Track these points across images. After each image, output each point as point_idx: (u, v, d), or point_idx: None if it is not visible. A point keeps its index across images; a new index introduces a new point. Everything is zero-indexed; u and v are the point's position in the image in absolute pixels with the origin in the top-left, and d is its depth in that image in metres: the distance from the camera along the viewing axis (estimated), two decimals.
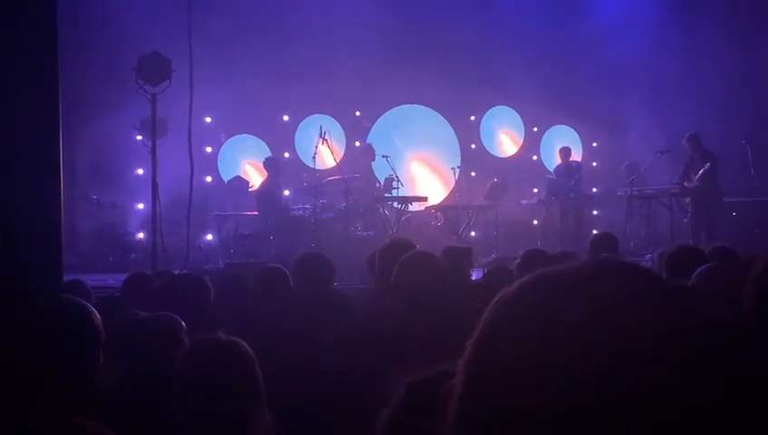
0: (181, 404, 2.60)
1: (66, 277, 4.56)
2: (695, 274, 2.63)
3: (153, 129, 9.53)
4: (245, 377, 2.59)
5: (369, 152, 12.73)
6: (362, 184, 12.05)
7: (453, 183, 14.50)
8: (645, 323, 0.70)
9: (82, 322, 2.66)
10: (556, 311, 0.71)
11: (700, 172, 11.53)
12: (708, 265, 2.64)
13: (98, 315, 2.74)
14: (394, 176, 12.16)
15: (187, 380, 2.62)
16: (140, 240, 12.58)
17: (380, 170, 12.65)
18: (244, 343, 2.67)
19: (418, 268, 3.60)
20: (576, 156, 14.63)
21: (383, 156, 12.37)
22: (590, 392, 0.67)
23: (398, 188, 12.14)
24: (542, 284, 0.75)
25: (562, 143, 14.61)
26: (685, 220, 12.08)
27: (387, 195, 12.16)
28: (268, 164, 12.36)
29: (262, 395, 2.62)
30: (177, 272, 6.22)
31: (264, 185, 12.19)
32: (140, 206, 12.74)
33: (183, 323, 3.50)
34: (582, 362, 0.68)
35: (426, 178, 14.88)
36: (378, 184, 12.32)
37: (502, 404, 0.71)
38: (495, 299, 0.77)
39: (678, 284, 0.77)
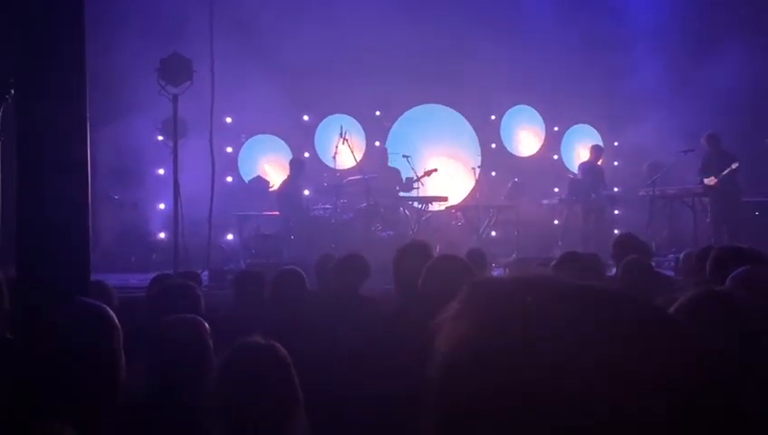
0: (219, 407, 2.61)
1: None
2: (731, 276, 2.59)
3: (174, 129, 9.58)
4: (283, 379, 2.61)
5: (381, 154, 12.81)
6: (382, 184, 12.05)
7: (473, 183, 14.46)
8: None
9: (101, 323, 2.67)
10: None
11: (726, 171, 11.44)
12: (745, 267, 2.60)
13: (113, 316, 2.75)
14: (414, 176, 12.15)
15: (227, 383, 2.63)
16: (162, 240, 12.65)
17: (402, 171, 12.64)
18: (280, 346, 2.69)
19: (446, 273, 3.58)
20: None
21: (404, 156, 12.35)
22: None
23: (418, 188, 12.13)
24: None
25: (583, 142, 14.51)
26: (707, 220, 12.00)
27: (407, 194, 12.17)
28: (293, 164, 12.36)
29: (299, 397, 2.64)
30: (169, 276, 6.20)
31: (284, 185, 12.19)
32: (162, 206, 12.80)
33: (206, 325, 3.50)
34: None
35: (446, 178, 14.82)
36: (397, 187, 12.29)
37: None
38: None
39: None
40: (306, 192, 12.74)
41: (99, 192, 12.19)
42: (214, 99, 9.50)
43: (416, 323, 3.60)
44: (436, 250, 6.57)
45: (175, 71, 9.21)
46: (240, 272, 7.22)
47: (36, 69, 3.19)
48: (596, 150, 13.33)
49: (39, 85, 3.18)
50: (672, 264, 10.07)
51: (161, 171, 12.70)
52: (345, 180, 12.08)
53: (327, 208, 11.73)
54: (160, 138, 11.78)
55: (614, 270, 6.08)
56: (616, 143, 15.74)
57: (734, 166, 11.40)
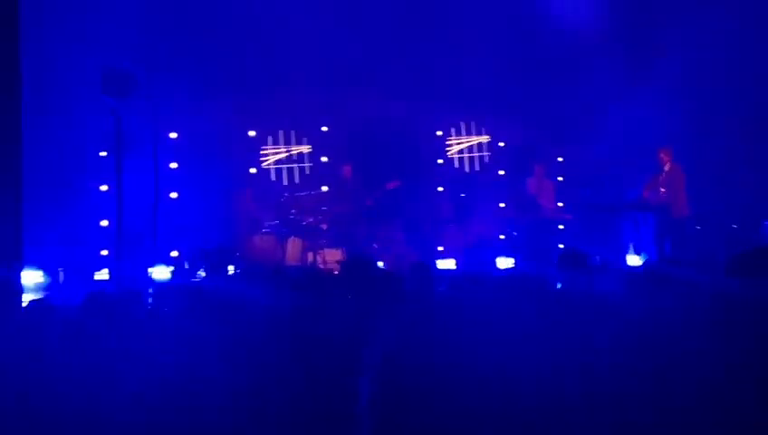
0: None
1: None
2: None
3: (117, 144, 9.42)
4: None
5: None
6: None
7: None
8: None
9: None
10: None
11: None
12: None
13: None
14: None
15: None
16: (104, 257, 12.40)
17: None
18: None
19: None
20: None
21: None
22: None
23: None
24: None
25: None
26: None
27: None
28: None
29: None
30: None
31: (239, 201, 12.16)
32: (104, 223, 12.55)
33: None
34: None
35: None
36: None
37: None
38: None
39: None
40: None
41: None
42: (158, 114, 9.39)
43: None
44: None
45: (118, 83, 9.07)
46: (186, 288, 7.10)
47: None
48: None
49: None
50: None
51: (104, 187, 12.46)
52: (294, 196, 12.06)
53: (274, 225, 11.68)
54: (103, 153, 11.60)
55: None
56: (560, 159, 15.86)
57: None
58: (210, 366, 2.73)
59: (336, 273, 4.72)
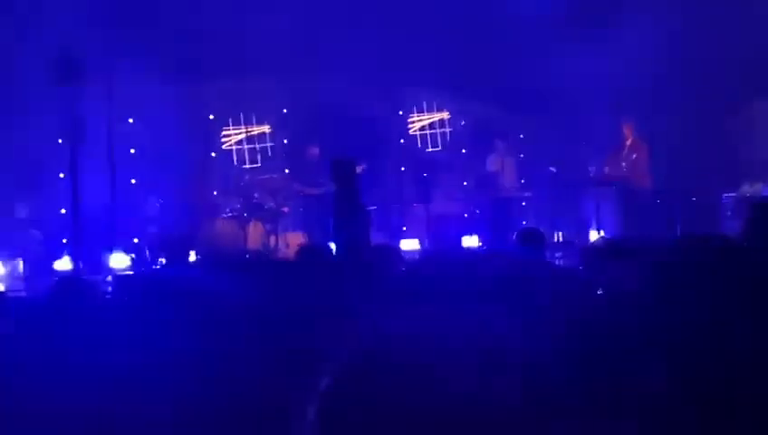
0: None
1: None
2: None
3: (74, 132, 9.29)
4: None
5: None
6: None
7: None
8: None
9: None
10: None
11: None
12: None
13: None
14: None
15: None
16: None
17: None
18: None
19: None
20: None
21: None
22: None
23: None
24: None
25: None
26: None
27: None
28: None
29: None
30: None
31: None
32: (63, 211, 12.37)
33: None
34: None
35: None
36: None
37: None
38: None
39: None
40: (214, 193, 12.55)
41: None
42: (113, 99, 9.27)
43: None
44: None
45: (68, 71, 8.93)
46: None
47: None
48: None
49: None
50: None
51: (62, 175, 12.28)
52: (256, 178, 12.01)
53: (236, 209, 11.60)
54: (60, 141, 11.42)
55: None
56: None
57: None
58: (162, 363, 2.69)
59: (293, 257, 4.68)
